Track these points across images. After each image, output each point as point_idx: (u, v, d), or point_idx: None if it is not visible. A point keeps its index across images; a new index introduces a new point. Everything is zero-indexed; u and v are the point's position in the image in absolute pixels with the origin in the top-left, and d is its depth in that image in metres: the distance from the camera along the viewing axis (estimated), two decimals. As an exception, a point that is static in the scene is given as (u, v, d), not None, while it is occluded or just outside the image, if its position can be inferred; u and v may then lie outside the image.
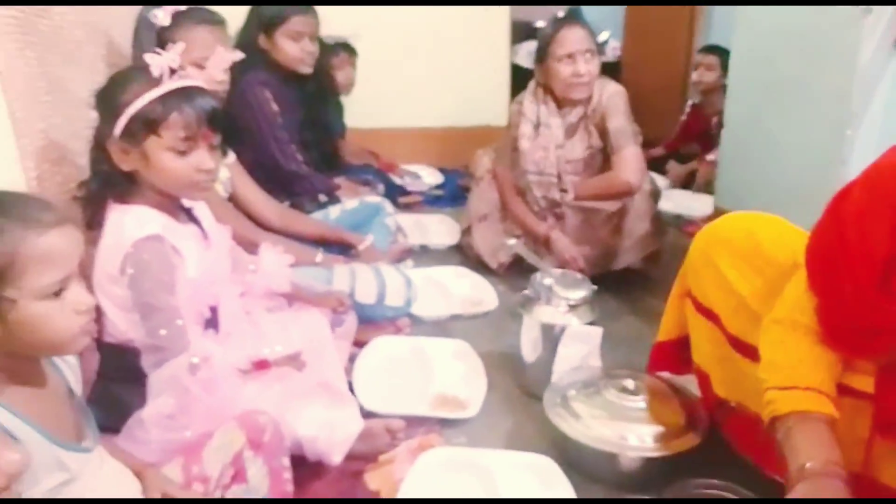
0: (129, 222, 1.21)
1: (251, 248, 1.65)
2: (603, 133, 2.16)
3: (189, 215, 1.36)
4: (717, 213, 2.23)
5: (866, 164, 1.04)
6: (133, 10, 1.74)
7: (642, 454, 1.26)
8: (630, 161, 2.09)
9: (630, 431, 1.29)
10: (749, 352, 1.17)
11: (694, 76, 3.43)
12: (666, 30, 3.89)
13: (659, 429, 1.29)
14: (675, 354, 1.43)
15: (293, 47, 2.19)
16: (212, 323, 1.37)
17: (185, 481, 1.07)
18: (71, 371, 0.98)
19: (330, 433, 1.28)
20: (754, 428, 1.21)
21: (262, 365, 1.39)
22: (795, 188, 2.02)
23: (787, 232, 1.22)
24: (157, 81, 1.19)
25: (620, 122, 2.13)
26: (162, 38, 1.54)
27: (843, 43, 1.77)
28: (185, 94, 1.20)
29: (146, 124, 1.18)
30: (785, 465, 0.99)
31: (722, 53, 3.08)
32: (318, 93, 2.48)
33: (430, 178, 3.17)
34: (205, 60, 1.63)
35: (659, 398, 1.36)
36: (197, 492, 1.06)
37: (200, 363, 1.22)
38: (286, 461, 1.13)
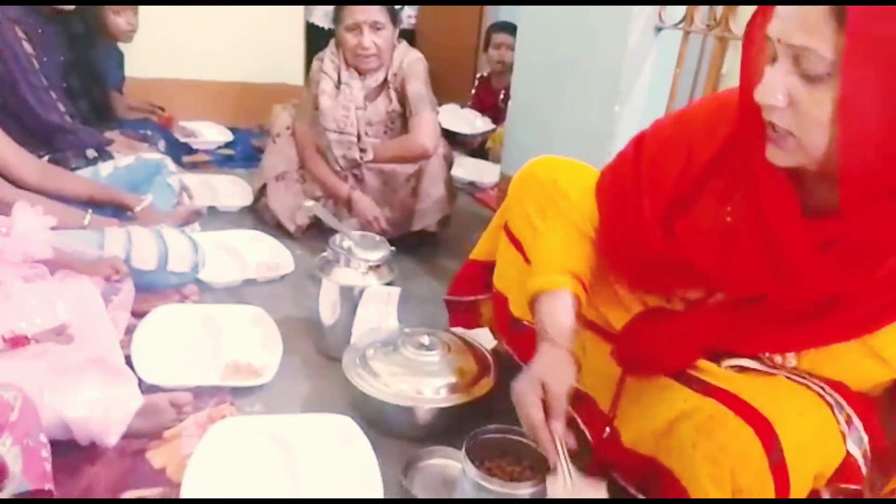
0: None
1: (2, 208, 1.43)
2: (403, 98, 2.19)
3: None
4: (504, 180, 2.37)
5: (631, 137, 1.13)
6: None
7: (436, 405, 1.31)
8: (426, 126, 2.15)
9: (426, 385, 1.33)
10: None
11: (494, 55, 3.57)
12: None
13: (453, 380, 1.35)
14: (479, 275, 1.51)
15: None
16: (-50, 295, 1.16)
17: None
18: None
19: (104, 412, 1.15)
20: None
21: (18, 342, 1.22)
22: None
23: (584, 172, 1.32)
24: None
25: (419, 88, 2.18)
26: None
27: (614, 25, 1.94)
28: None
29: None
30: None
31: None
32: (85, 35, 2.19)
33: (218, 135, 2.97)
34: None
35: (453, 352, 1.42)
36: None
37: (-64, 342, 1.03)
38: (43, 438, 1.00)
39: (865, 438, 0.93)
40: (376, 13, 2.08)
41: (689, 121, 1.04)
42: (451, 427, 1.31)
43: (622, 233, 1.10)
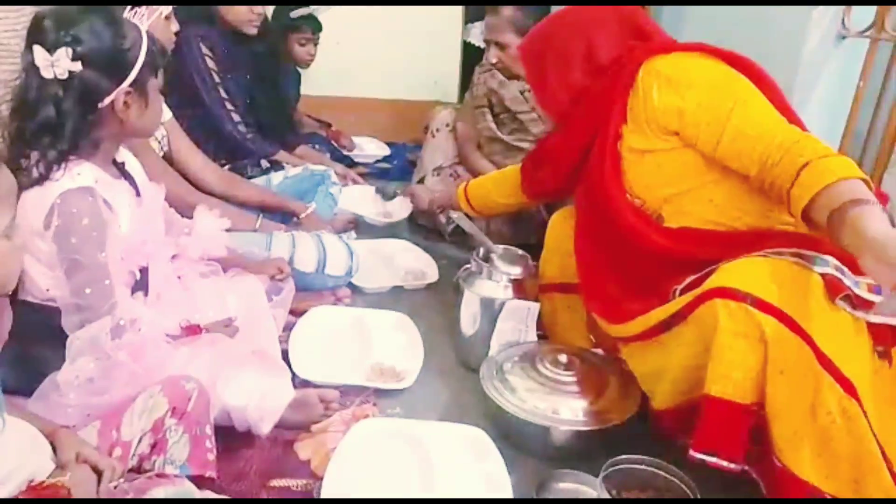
0: (58, 172, 1.15)
1: (186, 210, 1.59)
2: None
3: (121, 170, 1.30)
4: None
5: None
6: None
7: (573, 428, 1.28)
8: None
9: (563, 405, 1.30)
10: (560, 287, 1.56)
11: None
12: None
13: (591, 403, 1.31)
14: None
15: (241, 6, 2.11)
16: (141, 285, 1.32)
17: (101, 446, 1.03)
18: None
19: (260, 402, 1.24)
20: None
21: (192, 330, 1.35)
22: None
23: None
24: (135, 26, 1.20)
25: None
26: None
27: (788, 32, 1.80)
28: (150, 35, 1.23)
29: (152, 68, 1.20)
30: None
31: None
32: (267, 57, 2.39)
33: (377, 149, 3.12)
34: None
35: (593, 372, 1.38)
36: (115, 456, 1.02)
37: (127, 326, 1.17)
38: (209, 430, 1.10)
39: (827, 257, 1.02)
40: (499, 34, 2.07)
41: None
42: (585, 451, 1.27)
43: None
